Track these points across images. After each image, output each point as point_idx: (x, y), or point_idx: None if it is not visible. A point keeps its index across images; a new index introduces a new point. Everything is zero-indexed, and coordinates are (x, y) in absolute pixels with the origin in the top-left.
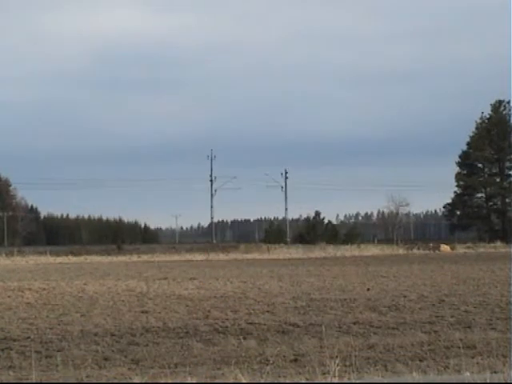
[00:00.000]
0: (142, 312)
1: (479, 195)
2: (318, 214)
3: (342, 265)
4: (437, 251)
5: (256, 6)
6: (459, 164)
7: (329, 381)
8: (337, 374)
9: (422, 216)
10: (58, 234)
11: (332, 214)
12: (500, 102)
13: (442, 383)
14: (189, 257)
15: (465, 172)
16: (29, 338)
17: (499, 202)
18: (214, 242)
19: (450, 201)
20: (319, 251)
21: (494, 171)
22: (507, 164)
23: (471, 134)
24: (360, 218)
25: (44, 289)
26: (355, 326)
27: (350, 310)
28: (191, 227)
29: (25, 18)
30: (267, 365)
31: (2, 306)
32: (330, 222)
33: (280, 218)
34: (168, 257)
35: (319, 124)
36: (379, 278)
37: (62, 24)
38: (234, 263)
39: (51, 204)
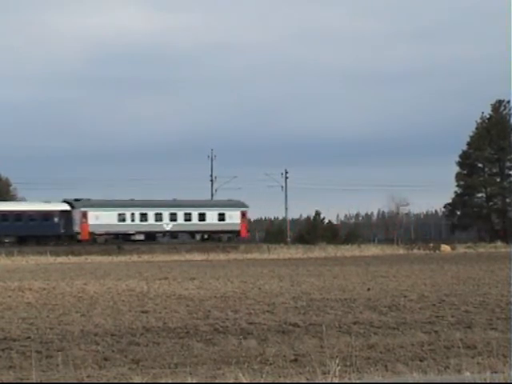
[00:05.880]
0: (143, 312)
1: (479, 195)
2: (318, 213)
3: (342, 265)
4: (437, 251)
5: (256, 5)
6: (459, 164)
7: (329, 381)
8: (337, 374)
9: (422, 216)
10: None
11: (332, 214)
12: (500, 102)
13: (443, 383)
14: (189, 257)
15: (465, 172)
16: (29, 337)
17: (499, 202)
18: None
19: (450, 201)
20: (319, 251)
21: (494, 171)
22: (507, 164)
23: (471, 134)
24: (360, 218)
25: (44, 289)
26: (355, 325)
27: (350, 309)
28: None
29: (25, 18)
30: (267, 365)
31: (2, 305)
32: (330, 221)
33: (280, 217)
34: (168, 257)
35: (319, 124)
36: (379, 278)
37: (62, 24)
38: (234, 263)
39: None
